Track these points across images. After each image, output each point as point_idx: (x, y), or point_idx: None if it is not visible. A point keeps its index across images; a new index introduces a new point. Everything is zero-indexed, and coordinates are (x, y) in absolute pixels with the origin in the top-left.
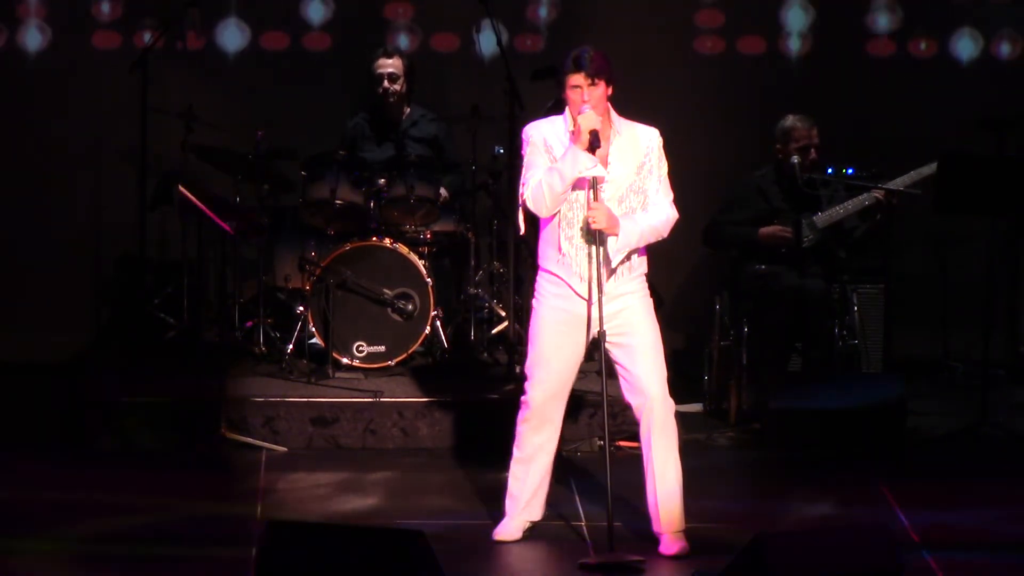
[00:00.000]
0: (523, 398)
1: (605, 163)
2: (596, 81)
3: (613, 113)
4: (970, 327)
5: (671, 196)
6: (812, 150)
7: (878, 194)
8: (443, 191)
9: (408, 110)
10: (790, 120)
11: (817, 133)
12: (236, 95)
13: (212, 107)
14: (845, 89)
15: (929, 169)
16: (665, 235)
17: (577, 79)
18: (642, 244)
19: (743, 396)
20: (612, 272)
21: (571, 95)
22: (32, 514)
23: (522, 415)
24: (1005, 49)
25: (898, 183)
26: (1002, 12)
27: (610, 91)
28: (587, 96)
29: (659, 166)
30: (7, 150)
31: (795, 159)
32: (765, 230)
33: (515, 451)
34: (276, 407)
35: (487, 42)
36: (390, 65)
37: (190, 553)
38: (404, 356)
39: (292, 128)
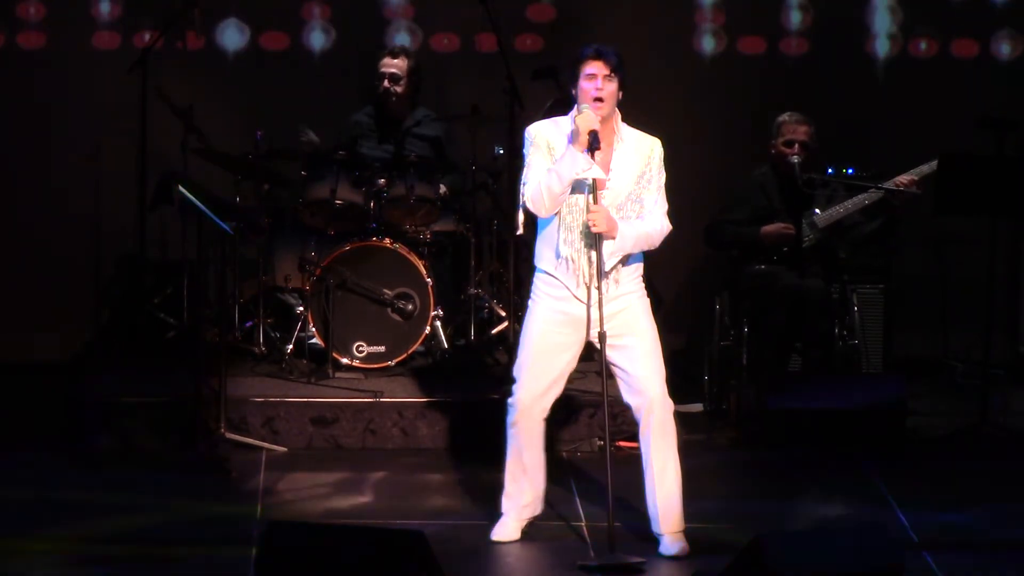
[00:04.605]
0: (510, 400)
1: (607, 170)
2: (613, 75)
3: (619, 119)
4: (970, 327)
5: (666, 207)
6: (796, 145)
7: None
8: (443, 188)
9: (413, 111)
10: (783, 115)
11: (807, 132)
12: (236, 95)
13: (212, 107)
14: (845, 89)
15: (929, 167)
16: (657, 245)
17: (596, 66)
18: (636, 250)
19: (743, 396)
20: (610, 274)
21: (584, 84)
22: (32, 514)
23: (510, 418)
24: (1005, 49)
25: (898, 180)
26: (1002, 12)
27: (620, 95)
28: (601, 85)
29: (658, 176)
30: (7, 150)
31: (795, 159)
32: (768, 228)
33: (508, 452)
34: (276, 407)
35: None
36: (393, 65)
37: (190, 553)
38: (404, 356)
39: (292, 128)
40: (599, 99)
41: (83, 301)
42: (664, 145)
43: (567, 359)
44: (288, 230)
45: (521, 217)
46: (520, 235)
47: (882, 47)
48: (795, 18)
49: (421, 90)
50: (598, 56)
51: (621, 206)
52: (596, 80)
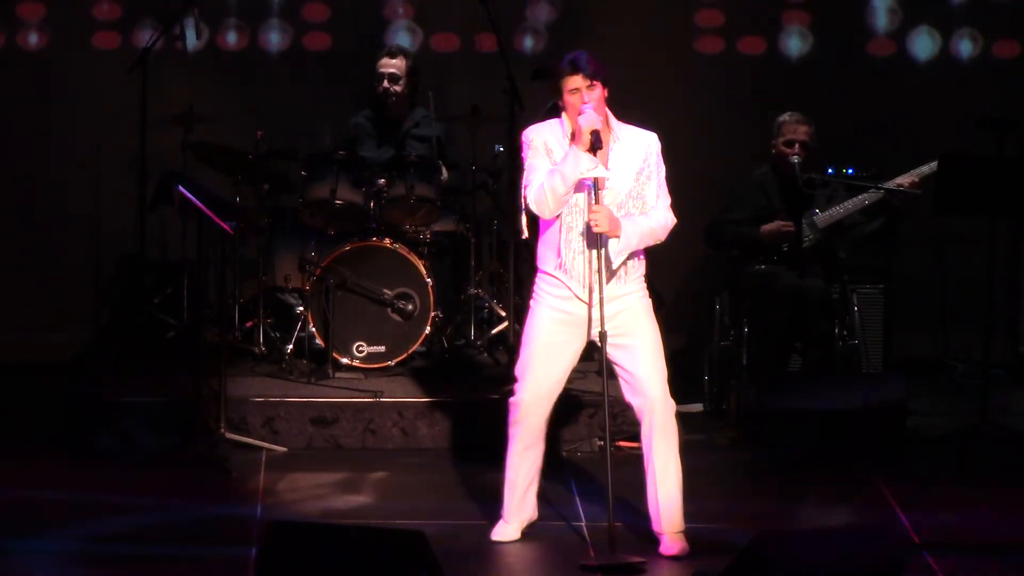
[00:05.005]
0: (512, 400)
1: (605, 168)
2: (594, 83)
3: (612, 118)
4: (970, 327)
5: (669, 201)
6: (796, 145)
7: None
8: (444, 173)
9: (412, 111)
10: (783, 115)
11: (808, 131)
12: (236, 95)
13: (212, 107)
14: (845, 89)
15: (929, 168)
16: (663, 239)
17: (575, 81)
18: (641, 246)
19: (743, 396)
20: (613, 274)
21: (569, 99)
22: (32, 514)
23: (512, 417)
24: (1005, 49)
25: (898, 181)
26: (1003, 12)
27: (606, 94)
28: (587, 98)
29: (658, 171)
30: (7, 150)
31: (795, 159)
32: (767, 227)
33: (509, 452)
34: (276, 407)
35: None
36: (392, 65)
37: (190, 553)
38: (404, 356)
39: (292, 128)
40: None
41: (83, 301)
42: (663, 142)
43: (569, 359)
44: (288, 230)
45: (524, 220)
46: (525, 238)
47: (883, 47)
48: (797, 18)
49: (419, 90)
50: (574, 70)
51: (622, 204)
52: (579, 94)
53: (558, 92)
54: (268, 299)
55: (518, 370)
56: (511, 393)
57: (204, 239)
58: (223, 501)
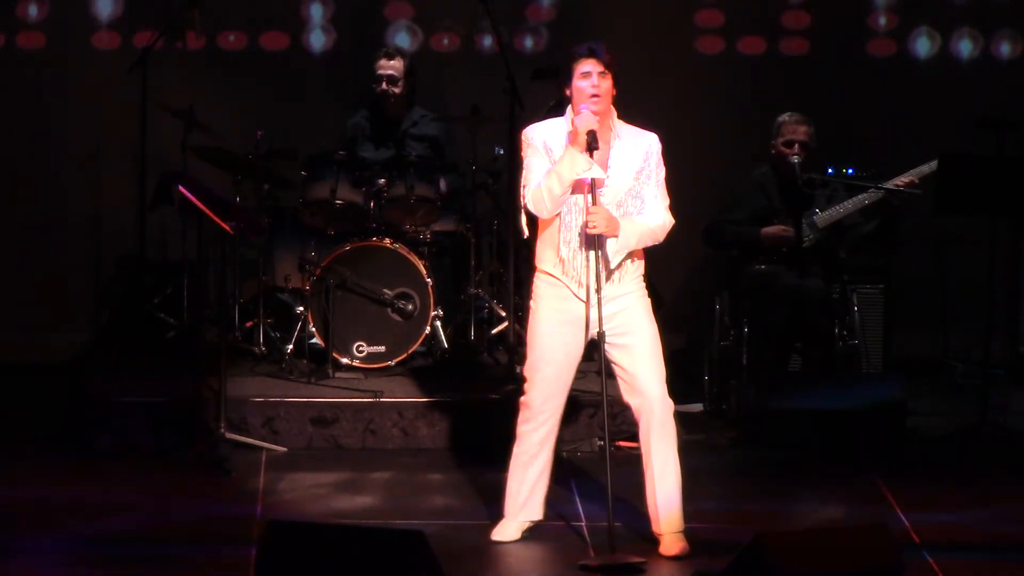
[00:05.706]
0: (522, 399)
1: (605, 167)
2: (607, 72)
3: (615, 117)
4: (970, 327)
5: (667, 202)
6: (796, 145)
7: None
8: (443, 184)
9: (411, 111)
10: (783, 115)
11: (807, 132)
12: (236, 95)
13: (212, 107)
14: (845, 89)
15: (929, 167)
16: (660, 240)
17: (589, 64)
18: (640, 246)
19: (743, 396)
20: (611, 273)
21: (579, 83)
22: (32, 514)
23: (522, 416)
24: (1005, 49)
25: (898, 181)
26: (1002, 12)
27: (615, 92)
28: (596, 82)
29: (657, 172)
30: (7, 150)
31: (795, 159)
32: (768, 230)
33: (515, 452)
34: (276, 407)
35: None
36: (390, 67)
37: (190, 553)
38: (404, 356)
39: (292, 128)
40: (595, 96)
41: (83, 301)
42: (663, 142)
43: (574, 356)
44: (288, 230)
45: (524, 220)
46: (525, 238)
47: (882, 47)
48: (797, 18)
49: (417, 90)
50: (591, 54)
51: (621, 202)
52: (591, 78)
53: (568, 77)
54: (268, 299)
55: (527, 371)
56: (519, 393)
57: (204, 239)
58: (223, 501)
